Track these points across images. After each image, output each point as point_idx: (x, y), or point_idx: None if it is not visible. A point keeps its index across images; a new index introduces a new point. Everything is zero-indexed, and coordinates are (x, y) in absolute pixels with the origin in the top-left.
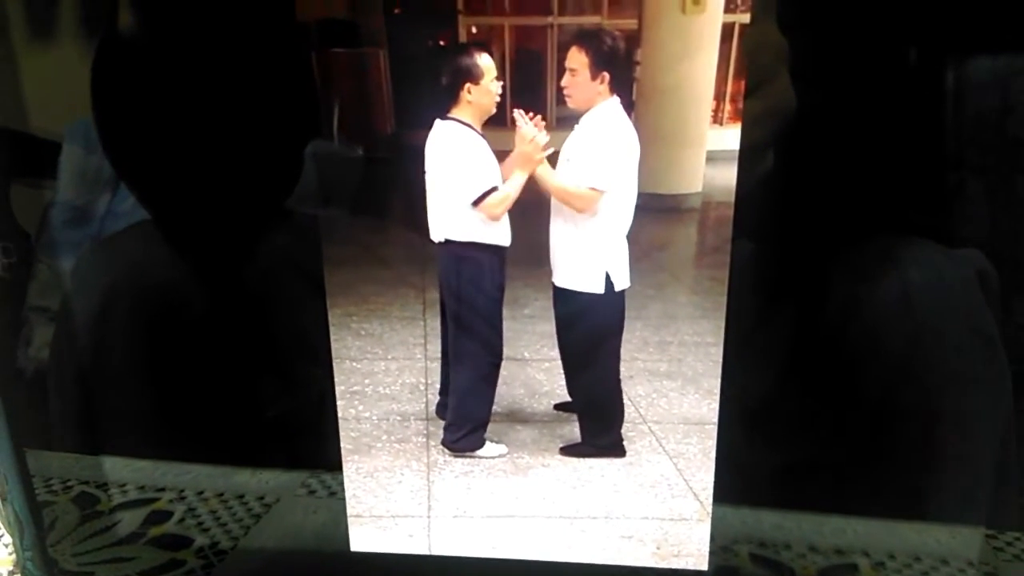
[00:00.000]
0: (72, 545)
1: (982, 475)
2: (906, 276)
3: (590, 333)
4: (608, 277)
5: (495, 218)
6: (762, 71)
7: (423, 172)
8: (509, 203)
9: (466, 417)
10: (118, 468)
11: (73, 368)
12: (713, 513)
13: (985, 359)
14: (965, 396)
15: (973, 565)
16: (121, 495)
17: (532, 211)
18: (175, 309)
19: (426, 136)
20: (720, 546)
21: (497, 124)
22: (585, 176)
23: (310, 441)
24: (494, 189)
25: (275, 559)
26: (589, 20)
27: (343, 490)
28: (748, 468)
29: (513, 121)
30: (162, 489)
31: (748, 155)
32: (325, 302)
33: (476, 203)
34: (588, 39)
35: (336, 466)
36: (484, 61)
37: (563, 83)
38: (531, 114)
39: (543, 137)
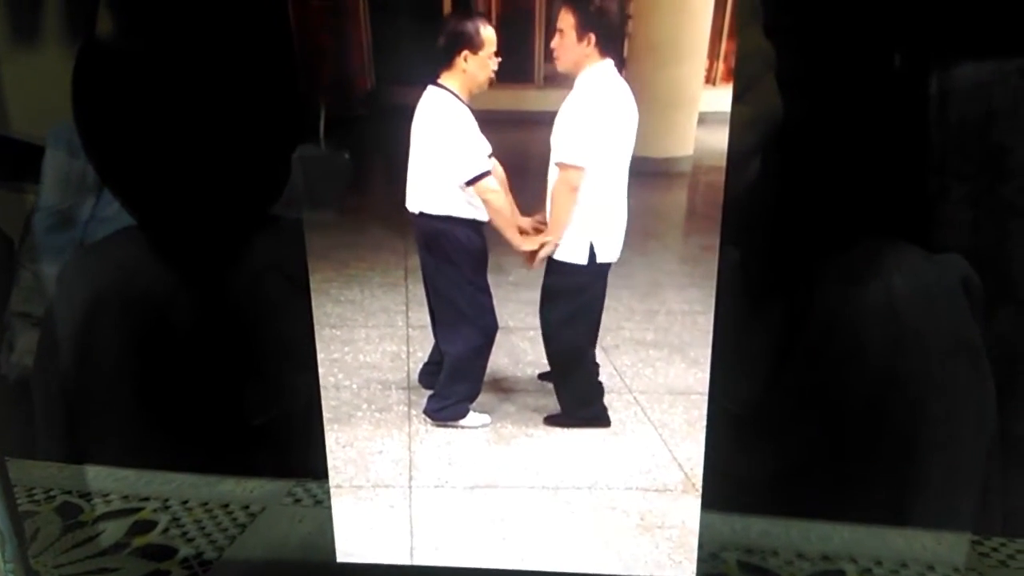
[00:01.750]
0: (55, 556)
1: (966, 480)
2: (890, 283)
3: (570, 304)
4: (592, 248)
5: (484, 198)
6: (750, 76)
7: (405, 132)
8: (498, 208)
9: (453, 391)
10: (101, 477)
11: (58, 376)
12: (701, 520)
13: (968, 365)
14: (948, 402)
15: (959, 571)
16: (104, 505)
17: (519, 178)
18: (161, 316)
19: (406, 93)
20: (708, 553)
21: None
22: (560, 151)
23: (296, 449)
24: (487, 173)
25: (260, 570)
26: None
27: (329, 499)
28: (736, 474)
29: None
30: (146, 498)
31: (736, 160)
32: (311, 308)
33: (470, 183)
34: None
35: (322, 474)
36: (487, 33)
37: (552, 44)
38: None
39: (549, 250)
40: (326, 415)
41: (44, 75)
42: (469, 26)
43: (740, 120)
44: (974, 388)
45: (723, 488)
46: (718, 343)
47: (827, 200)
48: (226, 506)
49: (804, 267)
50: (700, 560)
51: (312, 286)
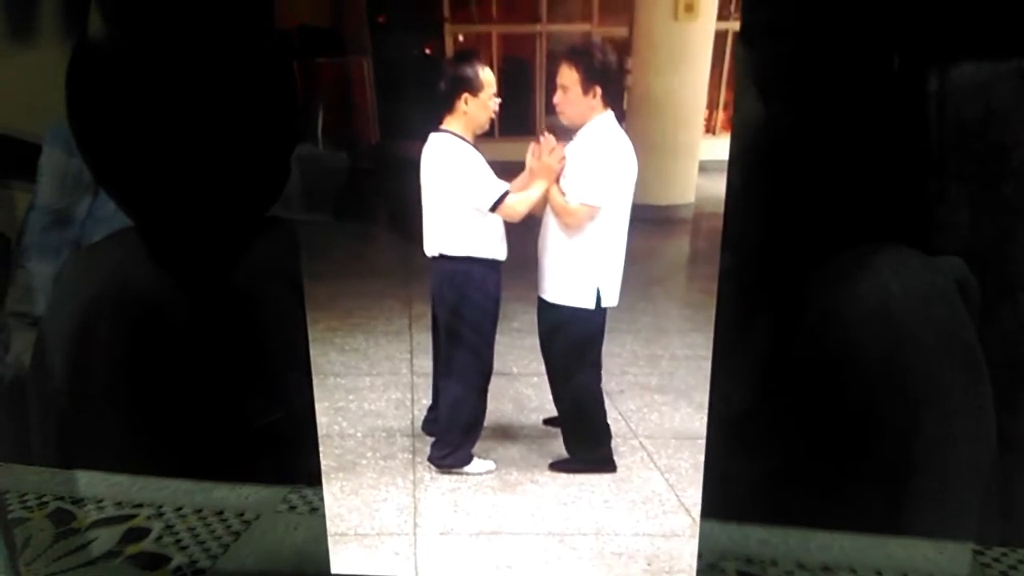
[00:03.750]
0: (47, 565)
1: (965, 484)
2: (885, 286)
3: (572, 347)
4: (599, 293)
5: (515, 218)
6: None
7: (411, 184)
8: (531, 204)
9: (454, 433)
10: (95, 483)
11: (54, 379)
12: (700, 529)
13: (965, 369)
14: (945, 406)
15: None
16: (98, 511)
17: (521, 224)
18: (158, 319)
19: (411, 147)
20: (708, 563)
21: (487, 135)
22: (578, 192)
23: (291, 455)
24: (507, 193)
25: None
26: (579, 28)
27: (324, 506)
28: (735, 482)
29: (500, 132)
30: (140, 505)
31: (735, 164)
32: (304, 310)
33: (494, 208)
34: (578, 55)
35: (317, 481)
36: (486, 75)
37: (555, 100)
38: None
39: (562, 150)
40: (331, 463)
41: (40, 73)
42: (468, 70)
43: (740, 123)
44: (971, 392)
45: (722, 496)
46: (719, 346)
47: (825, 202)
48: (220, 513)
49: (801, 272)
50: (699, 571)
51: (316, 335)
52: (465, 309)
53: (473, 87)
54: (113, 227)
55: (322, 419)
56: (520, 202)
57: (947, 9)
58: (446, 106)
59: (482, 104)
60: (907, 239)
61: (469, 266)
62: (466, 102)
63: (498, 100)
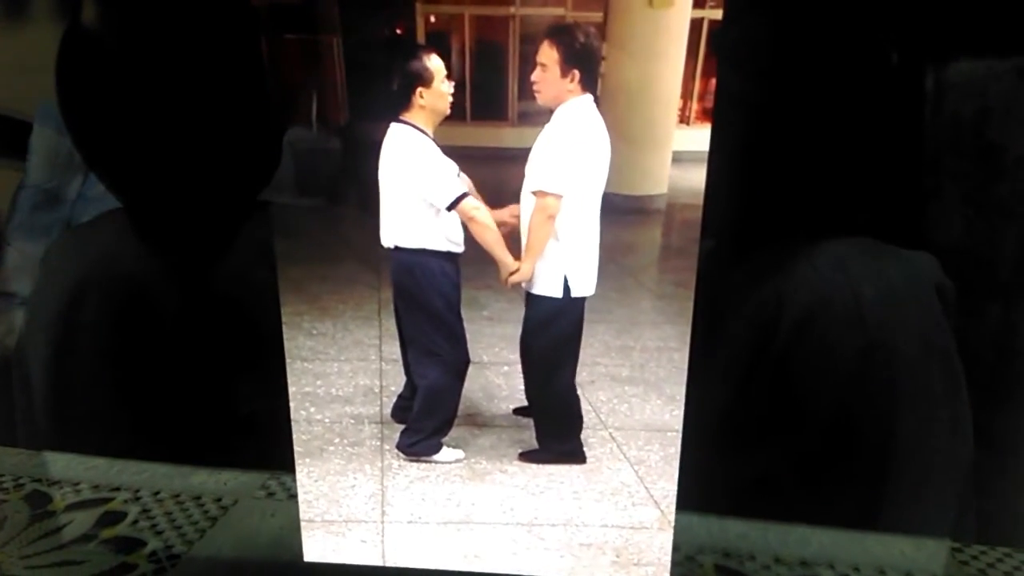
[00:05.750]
0: (20, 547)
1: (941, 488)
2: (858, 290)
3: (549, 338)
4: (566, 281)
5: (469, 221)
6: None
7: (377, 173)
8: (486, 219)
9: (425, 425)
10: (73, 466)
11: (39, 360)
12: (676, 522)
13: (941, 374)
14: (920, 412)
15: None
16: (75, 494)
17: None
18: (146, 302)
19: (380, 128)
20: (684, 556)
21: (459, 119)
22: (537, 179)
23: (271, 441)
24: (465, 194)
25: (228, 565)
26: (552, 12)
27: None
28: (711, 476)
29: (471, 117)
30: (117, 488)
31: (716, 153)
32: (278, 294)
33: (451, 207)
34: (560, 35)
35: (292, 467)
36: (433, 63)
37: (533, 77)
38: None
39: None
40: (298, 449)
41: (31, 51)
42: (416, 64)
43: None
44: (946, 395)
45: (699, 489)
46: (696, 338)
47: (811, 198)
48: (198, 498)
49: (780, 267)
50: (675, 563)
51: (284, 318)
52: (423, 302)
53: (424, 79)
54: (104, 207)
55: (290, 404)
56: (479, 212)
57: (945, 4)
58: (403, 102)
59: (437, 93)
60: (896, 237)
61: (426, 258)
62: (421, 95)
63: (451, 83)
